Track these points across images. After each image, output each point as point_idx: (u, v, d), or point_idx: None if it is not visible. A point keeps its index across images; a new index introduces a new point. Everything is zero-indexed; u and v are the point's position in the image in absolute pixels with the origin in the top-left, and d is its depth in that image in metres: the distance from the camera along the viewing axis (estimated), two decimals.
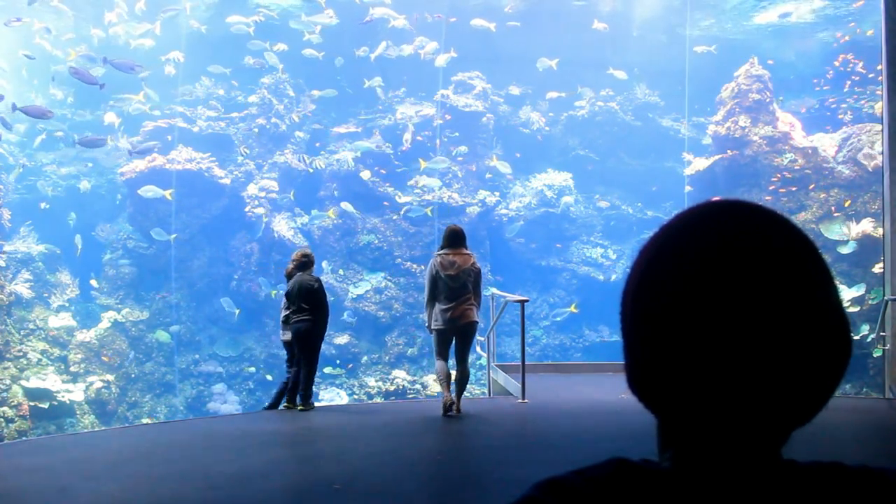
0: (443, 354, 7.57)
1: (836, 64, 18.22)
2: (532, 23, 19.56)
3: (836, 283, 0.80)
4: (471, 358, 7.88)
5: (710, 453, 0.79)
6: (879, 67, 16.42)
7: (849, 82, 17.84)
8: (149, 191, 16.52)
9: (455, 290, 7.38)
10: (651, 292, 0.79)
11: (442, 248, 7.51)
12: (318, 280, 8.13)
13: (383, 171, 18.59)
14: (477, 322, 7.58)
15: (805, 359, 0.75)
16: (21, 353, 15.21)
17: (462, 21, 18.84)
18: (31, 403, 14.48)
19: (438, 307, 7.42)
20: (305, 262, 8.17)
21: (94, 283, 17.44)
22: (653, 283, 0.79)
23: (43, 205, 17.87)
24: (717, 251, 0.76)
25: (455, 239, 7.47)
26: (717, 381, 0.75)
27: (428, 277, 7.50)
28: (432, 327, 7.56)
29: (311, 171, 18.31)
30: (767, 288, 0.74)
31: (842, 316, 0.78)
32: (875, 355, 13.06)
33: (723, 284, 0.75)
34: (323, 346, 8.40)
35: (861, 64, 17.47)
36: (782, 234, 0.78)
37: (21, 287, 16.20)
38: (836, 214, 15.76)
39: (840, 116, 17.76)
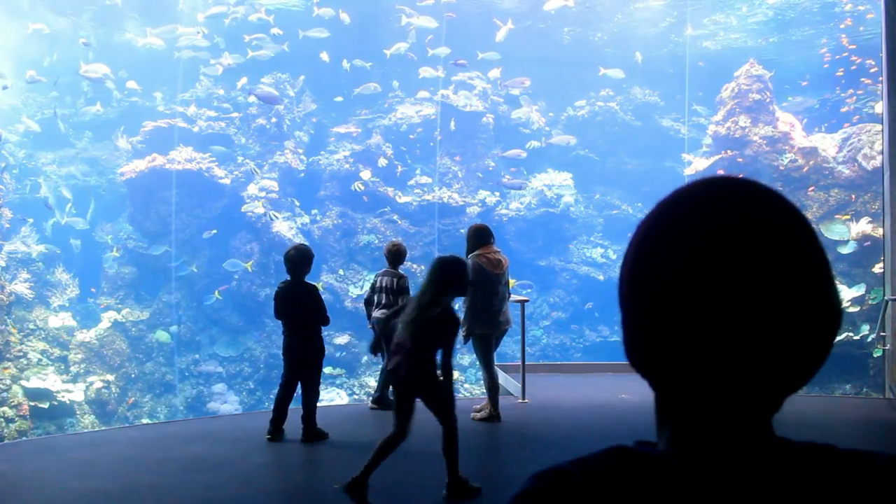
0: (492, 362, 7.28)
1: (829, 61, 18.22)
2: (532, 23, 19.57)
3: (826, 254, 0.83)
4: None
5: (706, 427, 0.80)
6: (870, 63, 16.52)
7: (862, 81, 17.79)
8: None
9: (500, 291, 7.18)
10: (648, 263, 0.81)
11: (474, 248, 7.19)
12: (309, 284, 6.74)
13: (397, 166, 18.59)
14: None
15: (796, 327, 0.77)
16: (21, 353, 15.20)
17: (463, 21, 18.84)
18: (31, 403, 14.47)
19: (483, 311, 7.09)
20: (296, 262, 6.61)
21: (94, 290, 17.55)
22: (650, 255, 0.81)
23: (50, 198, 17.88)
24: (711, 223, 0.78)
25: (490, 237, 7.30)
26: (711, 349, 0.77)
27: (474, 279, 6.93)
28: (476, 332, 7.13)
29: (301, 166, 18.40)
30: (760, 259, 0.76)
31: (831, 284, 0.81)
32: (875, 355, 13.06)
33: (717, 256, 0.77)
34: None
35: (861, 64, 17.45)
36: (775, 207, 0.80)
37: (21, 287, 16.19)
38: (836, 217, 15.75)
39: (841, 111, 17.75)
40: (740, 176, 0.84)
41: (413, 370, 4.75)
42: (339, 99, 19.08)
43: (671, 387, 0.81)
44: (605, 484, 0.77)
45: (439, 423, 4.87)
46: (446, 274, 4.77)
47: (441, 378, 4.83)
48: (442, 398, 4.87)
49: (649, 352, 0.81)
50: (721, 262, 0.76)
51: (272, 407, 6.82)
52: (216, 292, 17.15)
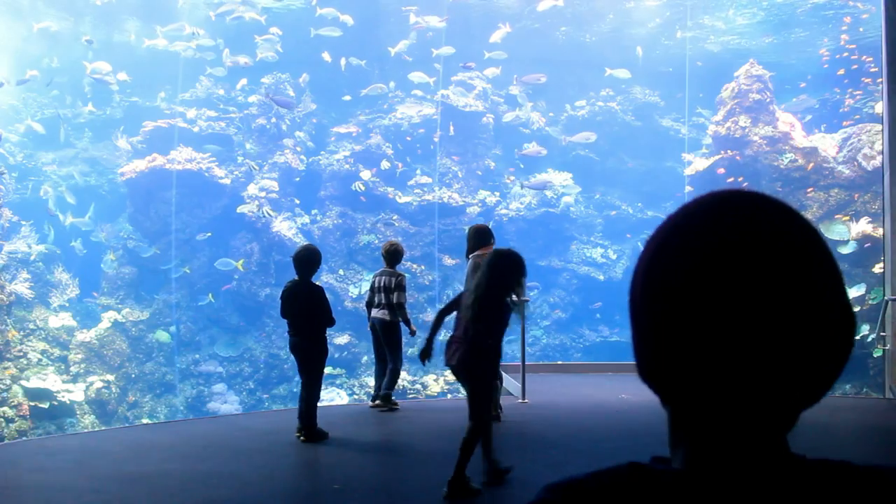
0: None
1: (829, 61, 18.22)
2: (529, 23, 19.57)
3: (839, 266, 0.81)
4: None
5: (722, 445, 0.79)
6: (870, 61, 16.51)
7: (863, 81, 17.78)
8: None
9: None
10: (660, 279, 0.80)
11: (474, 248, 7.09)
12: (315, 286, 6.68)
13: (401, 165, 18.56)
14: None
15: (810, 342, 0.77)
16: (21, 353, 15.20)
17: (463, 21, 18.83)
18: (31, 403, 14.48)
19: None
20: (303, 263, 6.61)
21: (95, 294, 17.57)
22: (662, 270, 0.80)
23: (51, 202, 17.88)
24: (722, 237, 0.78)
25: (490, 237, 7.24)
26: (726, 362, 0.76)
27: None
28: None
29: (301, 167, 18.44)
30: (774, 272, 0.76)
31: (845, 300, 0.80)
32: (875, 355, 13.05)
33: (730, 270, 0.76)
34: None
35: (861, 64, 17.45)
36: (787, 222, 0.80)
37: (21, 287, 16.20)
38: (836, 217, 15.75)
39: (840, 118, 17.75)
40: (745, 188, 0.84)
41: (466, 358, 4.86)
42: (348, 98, 19.05)
43: (686, 402, 0.80)
44: (620, 500, 0.77)
45: (469, 416, 4.90)
46: (502, 266, 4.90)
47: (490, 369, 4.98)
48: (482, 393, 4.94)
49: (663, 367, 0.80)
50: (734, 275, 0.76)
51: (297, 406, 6.76)
52: (210, 294, 17.18)
